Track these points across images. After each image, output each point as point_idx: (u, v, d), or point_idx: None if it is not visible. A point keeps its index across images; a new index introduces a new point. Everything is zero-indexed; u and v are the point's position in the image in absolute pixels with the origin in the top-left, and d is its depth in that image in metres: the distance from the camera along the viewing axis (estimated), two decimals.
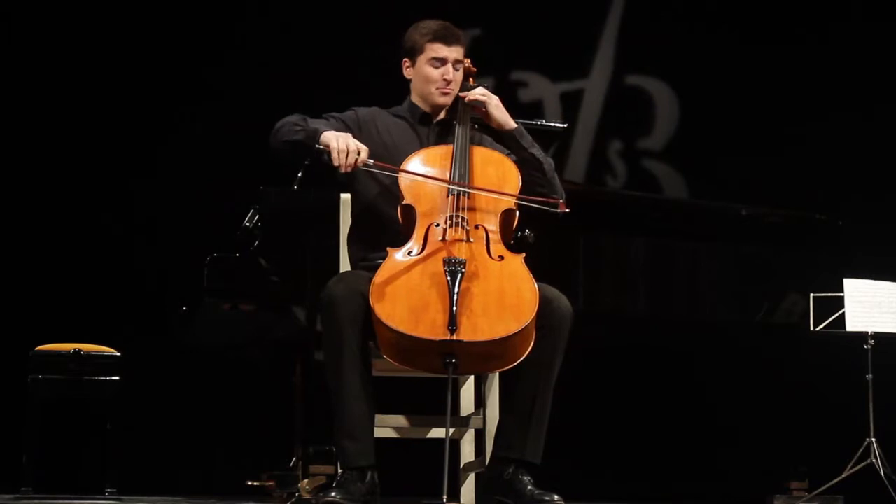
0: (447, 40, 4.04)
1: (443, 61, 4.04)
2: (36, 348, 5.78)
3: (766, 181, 7.22)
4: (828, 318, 5.82)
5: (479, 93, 4.04)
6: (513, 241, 3.89)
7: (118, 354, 5.83)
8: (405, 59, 4.11)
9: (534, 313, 3.61)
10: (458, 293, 3.56)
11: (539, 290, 3.68)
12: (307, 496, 5.03)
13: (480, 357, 3.62)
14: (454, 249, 3.71)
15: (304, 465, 5.26)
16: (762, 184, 7.15)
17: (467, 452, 4.33)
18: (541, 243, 4.24)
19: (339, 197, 4.31)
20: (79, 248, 6.87)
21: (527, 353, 3.65)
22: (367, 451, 3.70)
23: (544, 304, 3.68)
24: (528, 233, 4.05)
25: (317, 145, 3.84)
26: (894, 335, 5.87)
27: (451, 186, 3.83)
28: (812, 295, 5.83)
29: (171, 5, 7.15)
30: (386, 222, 3.92)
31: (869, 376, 5.81)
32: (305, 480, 5.13)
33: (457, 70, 4.07)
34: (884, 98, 7.35)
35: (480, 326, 3.56)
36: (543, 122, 4.78)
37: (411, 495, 4.23)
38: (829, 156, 7.26)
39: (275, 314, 5.34)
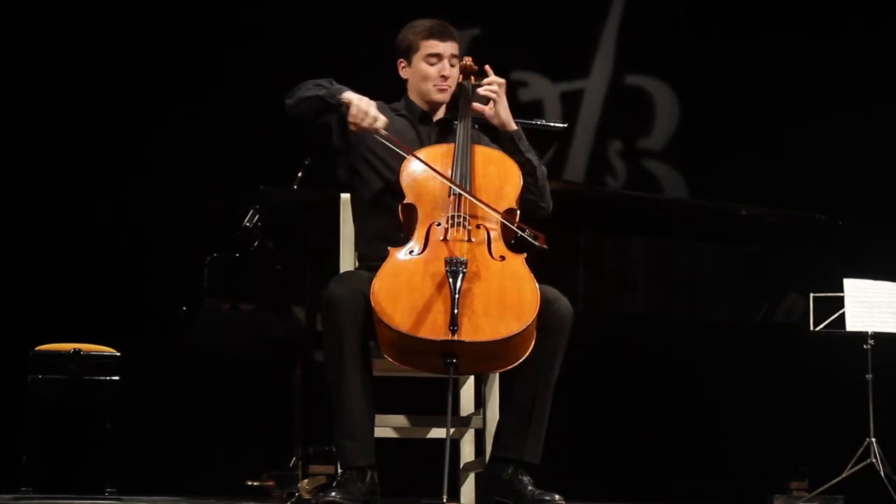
0: (441, 36, 4.04)
1: (438, 57, 4.04)
2: (36, 348, 5.78)
3: (766, 181, 7.22)
4: (828, 317, 5.83)
5: (493, 89, 4.02)
6: (514, 241, 3.88)
7: (118, 354, 5.83)
8: (400, 60, 4.10)
9: (535, 314, 3.61)
10: (459, 293, 3.55)
11: (540, 290, 3.68)
12: (307, 496, 5.03)
13: (481, 357, 3.62)
14: (455, 249, 3.71)
15: (304, 465, 5.26)
16: (762, 184, 7.15)
17: (467, 452, 4.32)
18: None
19: (339, 197, 4.30)
20: (79, 249, 6.88)
21: (527, 353, 3.64)
22: (368, 450, 3.70)
23: (545, 305, 3.68)
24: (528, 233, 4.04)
25: (339, 99, 3.84)
26: (894, 335, 5.88)
27: (452, 187, 3.82)
28: (812, 295, 5.84)
29: (171, 5, 7.15)
30: (387, 222, 3.92)
31: (869, 376, 5.82)
32: (305, 480, 5.13)
33: (453, 66, 4.06)
34: (884, 98, 7.36)
35: (481, 327, 3.56)
36: (543, 122, 4.79)
37: (411, 495, 4.23)
38: (829, 156, 7.27)
39: (275, 314, 5.35)
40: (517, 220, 3.88)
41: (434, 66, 4.05)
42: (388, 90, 4.22)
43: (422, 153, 3.94)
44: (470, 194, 3.82)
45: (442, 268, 3.62)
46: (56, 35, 7.04)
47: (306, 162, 5.51)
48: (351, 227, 4.18)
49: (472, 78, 4.13)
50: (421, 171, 3.88)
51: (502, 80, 4.04)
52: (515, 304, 3.62)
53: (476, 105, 4.03)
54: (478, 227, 3.80)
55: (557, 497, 3.66)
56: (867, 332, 5.84)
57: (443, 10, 4.19)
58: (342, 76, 4.03)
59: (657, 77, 7.76)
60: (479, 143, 4.09)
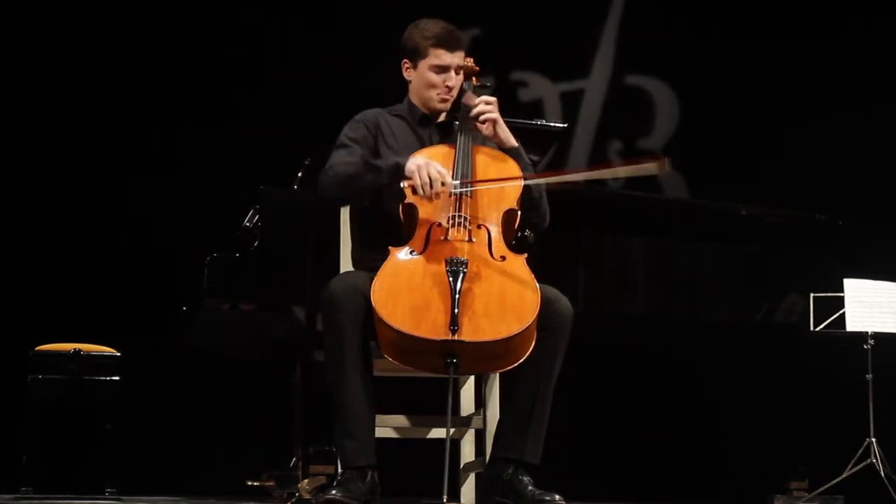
0: (450, 46, 3.99)
1: (445, 68, 4.02)
2: (36, 348, 5.78)
3: (766, 181, 7.22)
4: (828, 318, 5.83)
5: (489, 109, 3.97)
6: (514, 242, 3.88)
7: (118, 354, 5.83)
8: (405, 60, 4.08)
9: (535, 314, 3.61)
10: (459, 293, 3.55)
11: (540, 290, 3.68)
12: (307, 496, 5.03)
13: (481, 357, 3.62)
14: (456, 249, 3.71)
15: (304, 465, 5.26)
16: (762, 184, 7.15)
17: (467, 452, 4.32)
18: (541, 243, 4.25)
19: None
20: (79, 248, 6.87)
21: (528, 353, 3.64)
22: (368, 450, 3.70)
23: (545, 305, 3.68)
24: (528, 233, 4.04)
25: (402, 184, 3.77)
26: (894, 335, 5.88)
27: (453, 187, 3.81)
28: (812, 295, 5.84)
29: (171, 6, 7.15)
30: (387, 221, 3.91)
31: (869, 376, 5.82)
32: (305, 480, 5.13)
33: (458, 74, 4.05)
34: (884, 98, 7.36)
35: (482, 327, 3.56)
36: (543, 122, 4.79)
37: (411, 495, 4.23)
38: (829, 156, 7.27)
39: (275, 314, 5.35)
40: (517, 221, 3.89)
41: (440, 77, 4.02)
42: (389, 89, 4.22)
43: (423, 153, 3.93)
44: (473, 183, 3.81)
45: (442, 268, 3.62)
46: (56, 35, 7.04)
47: (306, 162, 5.51)
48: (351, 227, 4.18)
49: (474, 78, 4.13)
50: None
51: (493, 98, 4.02)
52: (516, 304, 3.62)
53: (474, 125, 4.02)
54: (478, 227, 3.80)
55: (557, 497, 3.66)
56: (867, 332, 5.84)
57: (443, 10, 4.17)
58: (342, 76, 4.03)
59: (657, 77, 7.76)
60: (484, 143, 4.09)
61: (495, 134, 4.00)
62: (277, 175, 5.61)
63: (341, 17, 7.26)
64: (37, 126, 6.98)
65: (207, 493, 6.17)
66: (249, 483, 5.51)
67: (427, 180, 3.73)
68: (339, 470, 3.74)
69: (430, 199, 3.75)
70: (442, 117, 4.12)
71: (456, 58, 4.01)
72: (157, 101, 7.04)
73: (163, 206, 6.91)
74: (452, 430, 3.85)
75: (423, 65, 4.03)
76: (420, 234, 3.79)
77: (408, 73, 4.09)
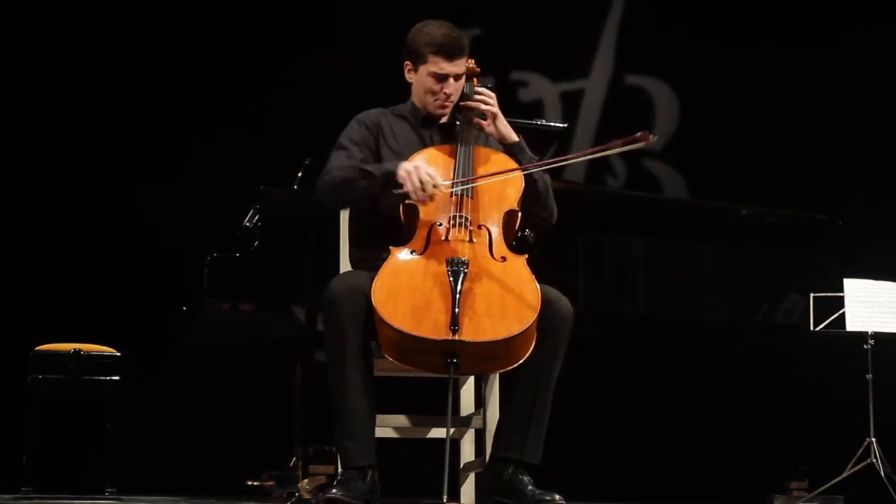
0: (451, 55, 3.95)
1: (444, 77, 3.98)
2: (36, 348, 5.78)
3: (766, 181, 7.22)
4: (828, 317, 5.83)
5: (489, 103, 3.99)
6: (515, 242, 3.88)
7: (118, 354, 5.83)
8: (407, 62, 4.05)
9: (536, 314, 3.61)
10: (460, 293, 3.55)
11: (541, 290, 3.67)
12: (307, 496, 5.03)
13: (482, 357, 3.62)
14: (457, 249, 3.71)
15: (304, 465, 5.26)
16: (762, 184, 7.15)
17: (467, 452, 4.32)
18: (541, 244, 4.24)
19: None
20: (79, 248, 6.88)
21: (528, 353, 3.64)
22: (368, 450, 3.70)
23: (546, 306, 3.68)
24: (528, 233, 4.04)
25: (395, 190, 3.77)
26: (894, 335, 5.88)
27: (454, 188, 3.81)
28: (812, 295, 5.84)
29: (171, 7, 7.15)
30: (388, 221, 3.91)
31: (869, 376, 5.82)
32: (305, 480, 5.12)
33: (457, 81, 4.03)
34: (884, 98, 7.36)
35: (482, 327, 3.56)
36: (543, 122, 4.77)
37: (411, 495, 4.23)
38: (829, 156, 7.27)
39: (275, 314, 5.34)
40: (518, 222, 3.89)
41: (438, 84, 3.99)
42: (389, 90, 4.22)
43: (424, 153, 3.93)
44: (474, 180, 3.81)
45: (443, 268, 3.63)
46: (57, 36, 7.04)
47: (306, 162, 5.51)
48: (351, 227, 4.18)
49: (475, 80, 4.13)
50: None
51: (492, 94, 4.01)
52: (516, 304, 3.62)
53: (475, 121, 4.02)
54: (479, 227, 3.80)
55: (557, 497, 3.66)
56: (867, 332, 5.84)
57: (443, 10, 4.17)
58: (341, 76, 4.03)
59: (657, 77, 7.76)
60: (487, 144, 4.08)
61: (496, 129, 4.00)
62: (277, 175, 5.61)
63: (342, 17, 7.26)
64: (37, 126, 6.98)
65: (207, 493, 6.17)
66: (249, 483, 5.51)
67: (418, 184, 3.73)
68: (340, 470, 3.74)
69: (423, 202, 3.75)
70: (444, 118, 4.11)
71: (455, 67, 3.97)
72: (158, 102, 7.04)
73: (163, 206, 6.91)
74: (452, 430, 3.86)
75: (423, 70, 4.00)
76: (421, 234, 3.79)
77: (409, 76, 4.08)
